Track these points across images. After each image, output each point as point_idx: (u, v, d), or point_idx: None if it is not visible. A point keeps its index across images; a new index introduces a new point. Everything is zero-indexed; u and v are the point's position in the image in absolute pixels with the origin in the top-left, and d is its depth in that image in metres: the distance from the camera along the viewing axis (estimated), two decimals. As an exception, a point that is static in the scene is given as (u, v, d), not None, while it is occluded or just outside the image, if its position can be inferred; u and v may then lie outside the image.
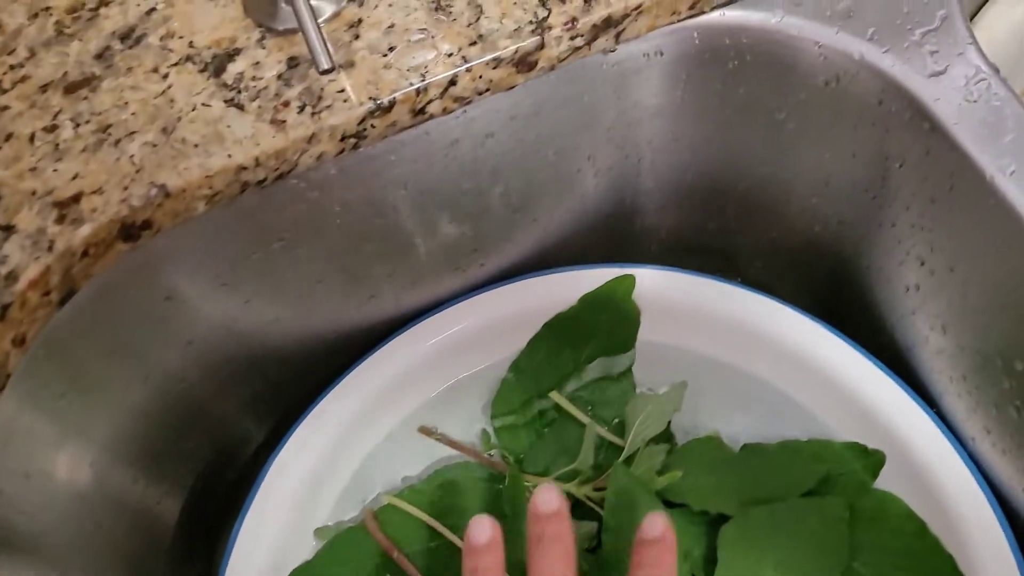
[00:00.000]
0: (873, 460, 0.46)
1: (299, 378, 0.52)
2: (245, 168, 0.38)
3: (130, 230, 0.38)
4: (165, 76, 0.40)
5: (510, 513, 0.46)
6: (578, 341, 0.51)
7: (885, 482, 0.46)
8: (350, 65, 0.39)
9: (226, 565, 0.47)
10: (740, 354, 0.51)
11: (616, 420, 0.50)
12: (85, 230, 0.37)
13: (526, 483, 0.47)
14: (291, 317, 0.49)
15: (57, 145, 0.38)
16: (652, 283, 0.52)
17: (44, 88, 0.40)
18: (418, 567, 0.46)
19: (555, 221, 0.52)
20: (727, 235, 0.56)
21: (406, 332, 0.52)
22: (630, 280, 0.51)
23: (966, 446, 0.45)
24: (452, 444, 0.51)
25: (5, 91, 0.40)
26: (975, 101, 0.38)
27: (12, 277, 0.36)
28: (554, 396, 0.50)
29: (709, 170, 0.51)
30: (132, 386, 0.44)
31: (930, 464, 0.45)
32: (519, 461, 0.50)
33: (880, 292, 0.48)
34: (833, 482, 0.46)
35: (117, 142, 0.38)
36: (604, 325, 0.51)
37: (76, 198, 0.37)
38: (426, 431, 0.52)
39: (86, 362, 0.41)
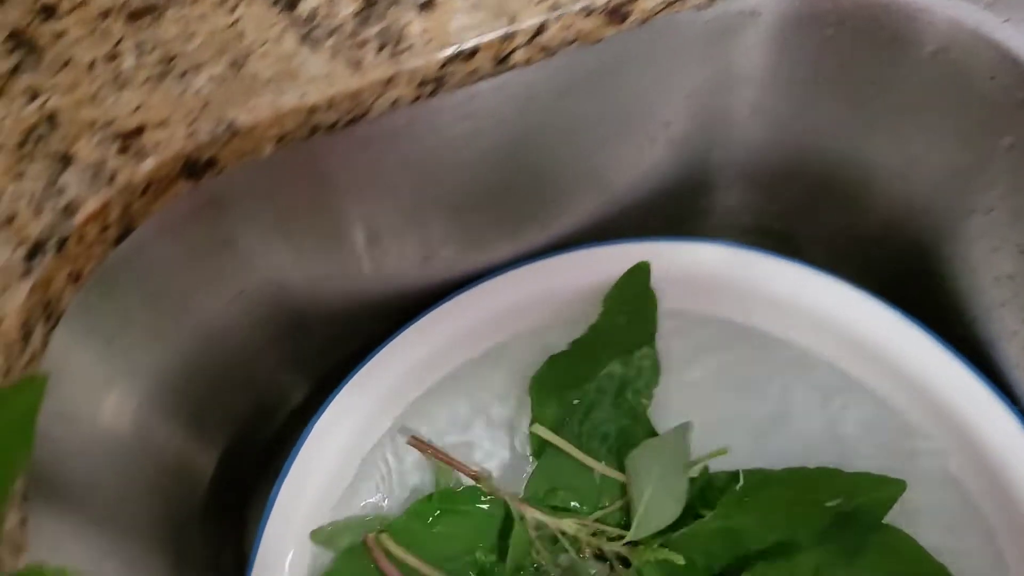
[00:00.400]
0: (889, 492, 0.43)
1: (344, 339, 0.50)
2: (318, 109, 0.36)
3: (194, 167, 0.35)
4: (234, 8, 0.37)
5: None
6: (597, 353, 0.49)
7: (959, 479, 0.44)
8: (432, 6, 0.37)
9: (263, 529, 0.45)
10: (805, 335, 0.49)
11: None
12: (148, 164, 0.34)
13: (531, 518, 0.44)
14: (343, 274, 0.46)
15: (118, 74, 0.36)
16: (715, 258, 0.49)
17: (105, 14, 0.37)
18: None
19: (620, 190, 0.50)
20: (791, 217, 0.54)
21: (455, 299, 0.50)
22: (645, 268, 0.49)
23: (1050, 447, 0.42)
24: (447, 461, 0.47)
25: (63, 15, 0.38)
26: (1101, 78, 0.36)
27: (70, 209, 0.33)
28: (539, 430, 0.47)
29: (785, 148, 0.49)
30: (179, 335, 0.42)
31: (1007, 465, 0.43)
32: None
33: (961, 282, 0.45)
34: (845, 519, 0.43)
35: (183, 74, 0.36)
36: (623, 329, 0.49)
37: (139, 130, 0.35)
38: (416, 443, 0.47)
39: (136, 306, 0.39)
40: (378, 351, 0.48)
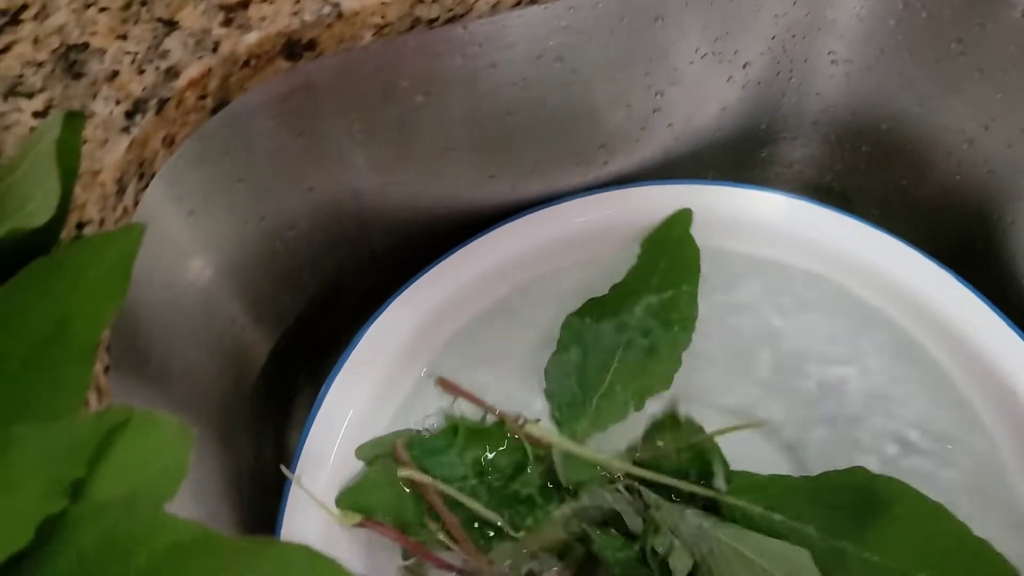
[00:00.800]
0: None
1: (401, 249, 0.50)
2: (422, 2, 0.36)
3: (294, 47, 0.35)
4: None
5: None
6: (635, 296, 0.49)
7: (1001, 441, 0.44)
8: (540, -88, 0.37)
9: (309, 428, 0.45)
10: (859, 286, 0.49)
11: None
12: (251, 37, 0.34)
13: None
14: (411, 183, 0.47)
15: (227, -52, 0.36)
16: (774, 208, 0.50)
17: None
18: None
19: (688, 130, 0.50)
20: (852, 176, 0.54)
21: (509, 225, 0.50)
22: (686, 215, 0.49)
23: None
24: (469, 397, 0.47)
25: None
26: None
27: (173, 73, 0.33)
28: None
29: (856, 103, 0.49)
30: (249, 222, 0.42)
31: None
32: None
33: (1018, 247, 0.46)
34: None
35: (292, -46, 0.36)
36: (661, 273, 0.49)
37: (245, 4, 0.35)
38: (446, 384, 0.48)
39: (219, 185, 0.39)
40: (431, 268, 0.48)
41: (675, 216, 0.49)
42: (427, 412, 0.48)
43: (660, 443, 0.45)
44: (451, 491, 0.44)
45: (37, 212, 0.26)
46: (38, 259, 0.27)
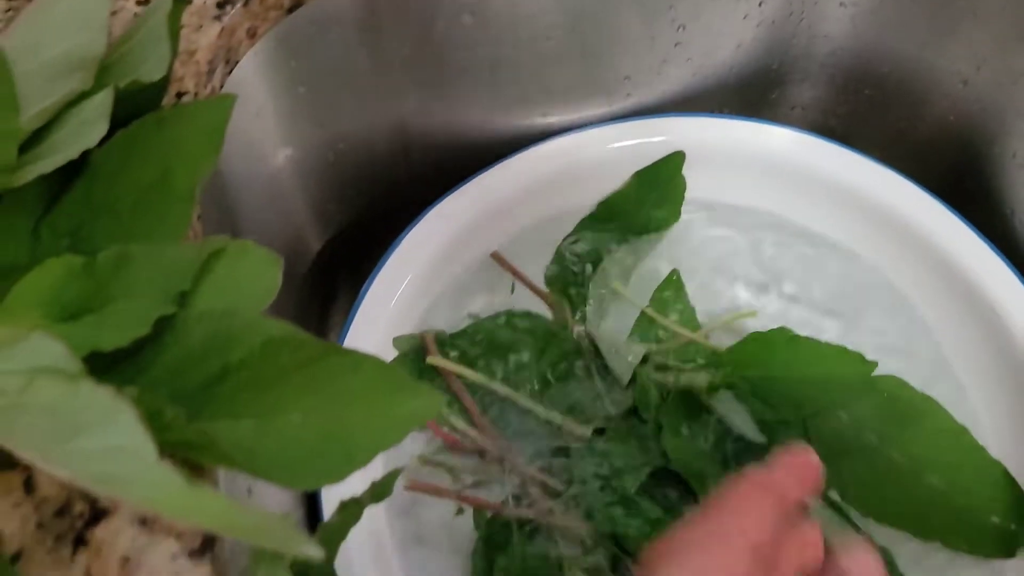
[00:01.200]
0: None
1: (439, 170, 0.54)
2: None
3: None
4: None
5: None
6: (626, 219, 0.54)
7: (986, 364, 0.48)
8: None
9: (350, 324, 0.49)
10: (849, 227, 0.54)
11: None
12: (326, -55, 0.39)
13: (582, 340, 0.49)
14: (451, 104, 0.51)
15: None
16: (781, 143, 0.54)
17: None
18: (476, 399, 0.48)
19: (706, 65, 0.54)
20: (854, 119, 0.58)
21: (539, 147, 0.54)
22: (680, 157, 0.53)
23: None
24: (519, 277, 0.52)
25: None
26: None
27: (254, -28, 0.38)
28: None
29: (861, 46, 0.53)
30: (308, 127, 0.46)
31: None
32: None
33: (1008, 177, 0.50)
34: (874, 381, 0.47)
35: None
36: (649, 203, 0.54)
37: (319, -83, 0.39)
38: (499, 259, 0.53)
39: (282, 88, 0.43)
40: (465, 183, 0.53)
41: (669, 157, 0.53)
42: (459, 316, 0.52)
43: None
44: (482, 380, 0.48)
45: (153, 70, 0.31)
46: (149, 113, 0.31)
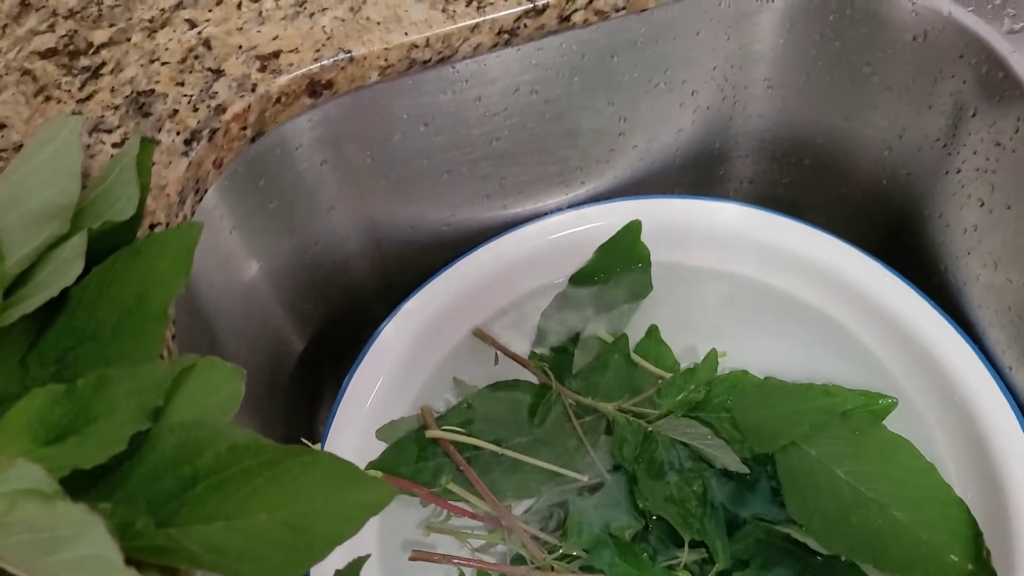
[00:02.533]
0: (883, 406, 0.50)
1: (411, 264, 0.57)
2: (416, 46, 0.44)
3: (316, 87, 0.43)
4: (352, -32, 0.46)
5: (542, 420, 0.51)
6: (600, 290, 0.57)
7: (927, 405, 0.50)
8: (510, -28, 0.45)
9: (333, 419, 0.51)
10: (801, 287, 0.56)
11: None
12: (281, 80, 0.42)
13: (567, 400, 0.52)
14: (416, 202, 0.54)
15: (260, 12, 0.44)
16: (729, 217, 0.57)
17: (247, -32, 0.46)
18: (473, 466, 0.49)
19: (651, 151, 0.57)
20: (799, 188, 0.61)
21: (505, 236, 0.57)
22: (637, 225, 0.56)
23: (1004, 375, 0.49)
24: (501, 349, 0.54)
25: (213, -32, 0.46)
26: (1047, 55, 0.43)
27: (220, 109, 0.41)
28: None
29: (794, 121, 0.56)
30: (281, 236, 0.50)
31: (969, 390, 0.49)
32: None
33: (938, 236, 0.52)
34: (844, 419, 0.50)
35: (312, 15, 0.44)
36: (618, 272, 0.57)
37: (276, 54, 0.43)
38: (481, 335, 0.55)
39: (252, 205, 0.46)
40: (438, 274, 0.55)
41: (627, 226, 0.56)
42: (439, 403, 0.54)
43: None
44: (482, 443, 0.50)
45: (124, 209, 0.34)
46: (123, 248, 0.35)
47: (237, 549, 0.29)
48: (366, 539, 0.48)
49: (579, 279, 0.57)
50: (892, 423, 0.50)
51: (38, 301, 0.30)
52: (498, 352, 0.55)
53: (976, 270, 0.49)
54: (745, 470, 0.48)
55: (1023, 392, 0.48)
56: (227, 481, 0.30)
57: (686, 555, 0.46)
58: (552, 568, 0.46)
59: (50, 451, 0.29)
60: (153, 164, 0.39)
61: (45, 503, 0.24)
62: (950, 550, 0.46)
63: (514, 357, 0.55)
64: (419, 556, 0.47)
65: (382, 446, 0.51)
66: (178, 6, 0.44)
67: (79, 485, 0.28)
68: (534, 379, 0.54)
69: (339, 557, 0.43)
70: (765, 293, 0.57)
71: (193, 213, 0.40)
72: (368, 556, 0.33)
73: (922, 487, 0.48)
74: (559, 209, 0.58)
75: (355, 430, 0.52)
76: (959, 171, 0.49)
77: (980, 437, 0.48)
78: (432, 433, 0.50)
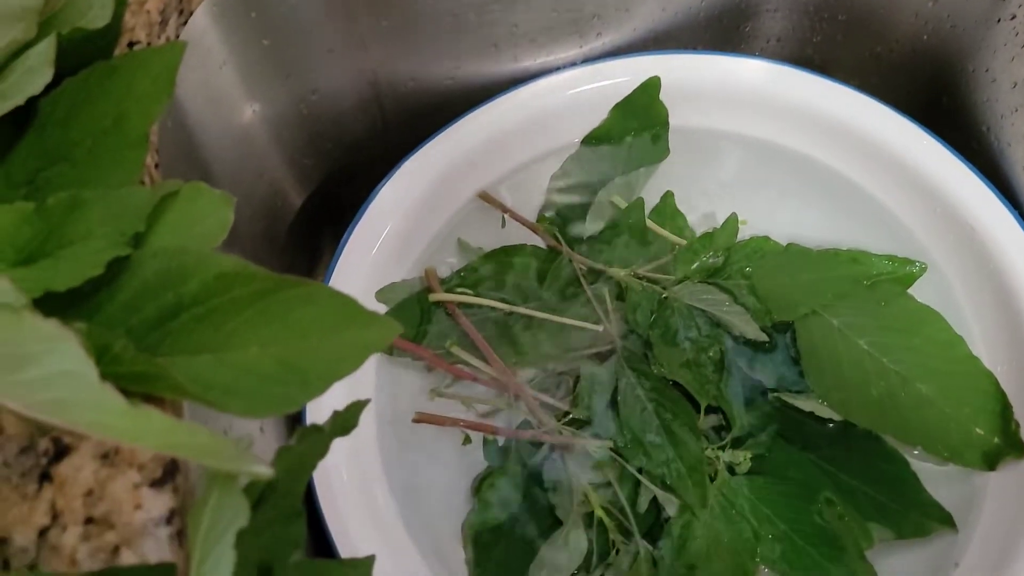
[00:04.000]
0: (908, 272, 0.48)
1: (413, 120, 0.54)
2: None
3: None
4: None
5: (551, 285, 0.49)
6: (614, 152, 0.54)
7: (959, 275, 0.48)
8: None
9: (330, 275, 0.49)
10: (828, 150, 0.53)
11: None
12: None
13: (578, 265, 0.50)
14: (418, 51, 0.51)
15: None
16: (756, 76, 0.53)
17: None
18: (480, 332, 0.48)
19: (674, 2, 0.53)
20: (831, 48, 0.57)
21: (514, 92, 0.54)
22: (656, 82, 0.53)
23: (1044, 242, 0.47)
24: (508, 212, 0.52)
25: None
26: None
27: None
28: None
29: (830, -30, 0.53)
30: (276, 79, 0.47)
31: (1006, 258, 0.47)
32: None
33: (983, 94, 0.49)
34: (870, 288, 0.48)
35: None
36: (633, 133, 0.54)
37: None
38: (486, 197, 0.53)
39: (244, 40, 0.43)
40: (440, 133, 0.52)
41: (645, 84, 0.53)
42: (442, 268, 0.52)
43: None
44: (491, 302, 0.48)
45: (97, 16, 0.31)
46: (98, 61, 0.32)
47: (225, 382, 0.27)
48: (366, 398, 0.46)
49: (593, 140, 0.54)
50: (921, 294, 0.48)
51: (2, 109, 0.27)
52: (505, 215, 0.53)
53: (1023, 128, 0.47)
54: (764, 338, 0.46)
55: (1064, 259, 0.45)
56: (214, 311, 0.27)
57: (702, 420, 0.44)
58: (560, 433, 0.45)
59: (20, 272, 0.27)
60: (130, -24, 0.35)
61: (12, 316, 0.22)
62: (975, 423, 0.44)
63: (522, 220, 0.52)
64: (423, 418, 0.45)
65: (381, 310, 0.49)
66: None
67: (51, 310, 0.26)
68: (543, 244, 0.52)
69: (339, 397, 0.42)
70: (789, 157, 0.54)
71: (177, 36, 0.37)
72: (368, 401, 0.31)
73: (949, 360, 0.46)
74: (573, 64, 0.55)
75: (352, 291, 0.49)
76: (1014, 16, 0.45)
77: (1015, 308, 0.46)
78: (436, 296, 0.48)
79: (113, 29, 0.32)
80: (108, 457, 0.26)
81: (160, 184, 0.30)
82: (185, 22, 0.38)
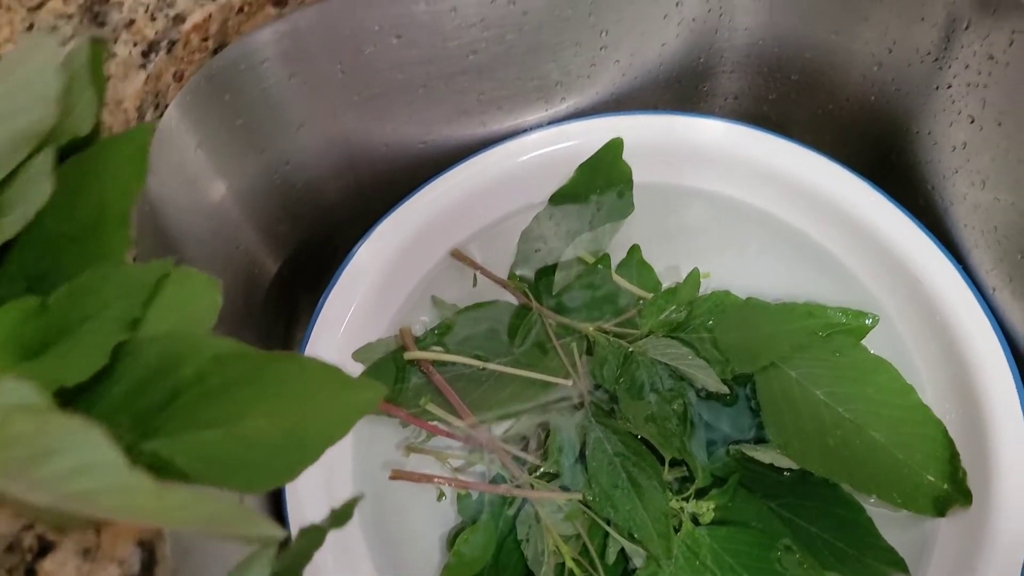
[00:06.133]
0: (862, 324, 0.52)
1: (386, 184, 0.58)
2: (388, -48, 0.44)
3: (282, -6, 0.44)
4: None
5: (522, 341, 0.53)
6: (581, 209, 0.58)
7: (909, 327, 0.53)
8: None
9: (308, 338, 0.53)
10: (784, 206, 0.58)
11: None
12: (246, -14, 0.43)
13: (547, 321, 0.54)
14: (390, 119, 0.55)
15: (222, -86, 0.44)
16: (713, 135, 0.58)
17: None
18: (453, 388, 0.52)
19: (634, 66, 0.58)
20: (785, 105, 0.62)
21: (483, 154, 0.58)
22: (618, 143, 0.57)
23: (987, 296, 0.51)
24: (480, 270, 0.56)
25: None
26: (1041, -36, 0.44)
27: (179, 19, 0.42)
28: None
29: (781, 35, 0.57)
30: (249, 155, 0.50)
31: (951, 311, 0.52)
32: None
33: (926, 155, 0.54)
34: (825, 340, 0.52)
35: (277, -84, 0.44)
36: (599, 190, 0.58)
37: (240, -42, 0.43)
38: (459, 255, 0.57)
39: (218, 121, 0.47)
40: (413, 194, 0.57)
41: (608, 144, 0.57)
42: (417, 326, 0.56)
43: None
44: (462, 359, 0.52)
45: (82, 119, 0.34)
46: (74, 156, 0.35)
47: (229, 456, 0.30)
48: (344, 458, 0.50)
49: (559, 198, 0.59)
50: (873, 344, 0.52)
51: (14, 227, 0.31)
52: (477, 273, 0.57)
53: (963, 189, 0.51)
54: (725, 390, 0.50)
55: (1006, 314, 0.50)
56: (213, 390, 0.31)
57: (666, 472, 0.48)
58: (532, 487, 0.49)
59: (29, 367, 0.30)
60: (109, 78, 0.39)
61: (37, 416, 0.26)
62: (926, 470, 0.48)
63: (493, 278, 0.56)
64: (399, 475, 0.49)
65: (359, 369, 0.53)
66: (135, -94, 0.44)
67: (61, 402, 0.30)
68: (514, 300, 0.56)
69: (315, 478, 0.45)
70: (748, 212, 0.59)
71: (153, 130, 0.41)
72: (362, 496, 0.35)
73: (900, 408, 0.50)
74: (539, 126, 0.59)
75: (330, 353, 0.53)
76: (950, 86, 0.50)
77: (961, 359, 0.51)
78: (411, 354, 0.52)
79: (95, 131, 0.36)
80: (90, 552, 0.29)
81: (151, 265, 0.33)
82: (161, 115, 0.42)
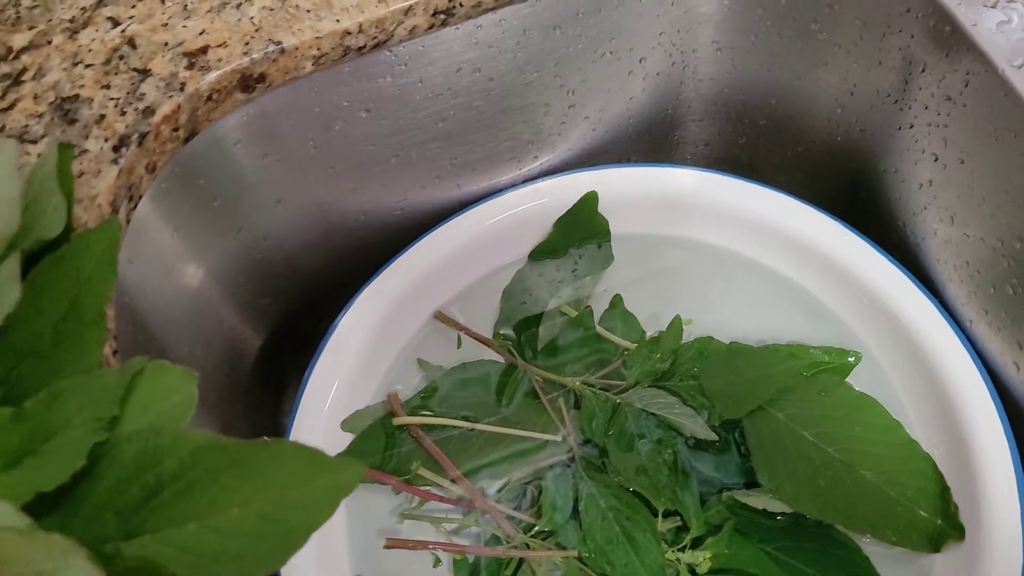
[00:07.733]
0: (845, 362, 0.53)
1: (366, 250, 0.59)
2: (349, 33, 0.45)
3: (248, 81, 0.45)
4: (279, -47, 0.47)
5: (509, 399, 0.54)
6: (561, 263, 0.59)
7: (891, 363, 0.53)
8: (444, -51, 0.46)
9: (296, 411, 0.53)
10: (761, 250, 0.59)
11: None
12: (211, 76, 0.44)
13: (534, 377, 0.54)
14: (365, 189, 0.56)
15: (185, 6, 0.46)
16: (686, 183, 0.59)
17: (171, -41, 0.47)
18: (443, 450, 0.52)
19: (604, 121, 0.59)
20: (755, 149, 0.63)
21: (460, 216, 0.59)
22: (593, 196, 0.58)
23: (964, 328, 0.52)
24: (464, 330, 0.57)
25: (135, -40, 0.47)
26: (992, 6, 0.45)
27: (149, 112, 0.43)
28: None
29: (745, 83, 0.59)
30: (228, 234, 0.51)
31: (931, 345, 0.52)
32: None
33: (895, 193, 0.55)
34: (810, 380, 0.52)
35: (239, 5, 0.45)
36: (577, 244, 0.59)
37: (203, 50, 0.44)
38: (442, 317, 0.58)
39: (195, 204, 0.48)
40: (391, 263, 0.57)
41: (583, 198, 0.58)
42: (404, 390, 0.56)
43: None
44: (451, 422, 0.52)
45: (52, 223, 0.35)
46: (46, 257, 0.36)
47: (214, 548, 0.30)
48: (338, 530, 0.50)
49: (539, 254, 0.59)
50: (857, 382, 0.52)
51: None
52: (461, 334, 0.57)
53: (933, 225, 0.52)
54: (714, 437, 0.51)
55: (984, 345, 0.50)
56: (194, 483, 0.31)
57: (660, 524, 0.49)
58: (527, 546, 0.49)
59: (9, 477, 0.31)
60: (82, 174, 0.40)
61: (21, 538, 0.26)
62: (919, 506, 0.48)
63: (477, 337, 0.57)
64: (394, 544, 0.49)
65: (349, 438, 0.53)
66: (99, 3, 0.45)
67: (42, 507, 0.30)
68: (500, 359, 0.56)
69: (309, 551, 0.45)
70: (726, 257, 0.59)
71: (129, 222, 0.42)
72: None
73: (889, 445, 0.50)
74: (513, 185, 0.60)
75: (319, 423, 0.54)
76: (912, 126, 0.51)
77: (944, 392, 0.51)
78: (399, 420, 0.52)
79: (67, 230, 0.37)
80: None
81: (127, 364, 0.34)
82: (135, 206, 0.42)
